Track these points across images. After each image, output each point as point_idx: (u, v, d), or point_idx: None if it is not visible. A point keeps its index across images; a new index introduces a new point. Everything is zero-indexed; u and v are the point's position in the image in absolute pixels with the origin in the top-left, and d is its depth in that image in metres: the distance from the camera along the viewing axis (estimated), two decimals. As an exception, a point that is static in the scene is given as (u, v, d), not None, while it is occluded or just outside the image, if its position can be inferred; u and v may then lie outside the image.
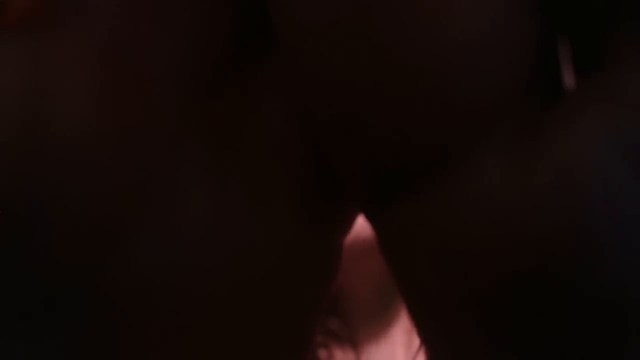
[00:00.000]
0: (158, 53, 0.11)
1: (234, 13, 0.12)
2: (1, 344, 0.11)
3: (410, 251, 0.12)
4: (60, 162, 0.10)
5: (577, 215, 0.10)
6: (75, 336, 0.11)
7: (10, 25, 0.11)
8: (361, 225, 0.14)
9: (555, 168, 0.10)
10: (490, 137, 0.11)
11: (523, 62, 0.11)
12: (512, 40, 0.11)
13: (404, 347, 0.56)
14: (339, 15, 0.10)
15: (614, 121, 0.10)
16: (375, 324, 0.57)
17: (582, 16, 0.11)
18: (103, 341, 0.11)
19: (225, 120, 0.12)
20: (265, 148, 0.12)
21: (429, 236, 0.11)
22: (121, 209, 0.11)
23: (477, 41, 0.10)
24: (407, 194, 0.11)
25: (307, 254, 0.13)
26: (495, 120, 0.11)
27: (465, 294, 0.11)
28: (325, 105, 0.11)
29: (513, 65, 0.11)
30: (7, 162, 0.10)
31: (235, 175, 0.12)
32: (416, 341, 0.54)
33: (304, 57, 0.11)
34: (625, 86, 0.10)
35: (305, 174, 0.12)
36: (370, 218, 0.13)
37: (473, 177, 0.11)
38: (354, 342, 0.53)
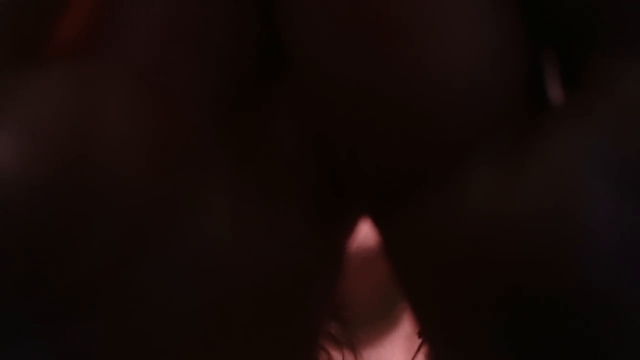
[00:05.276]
0: (193, 74, 0.12)
1: (257, 34, 0.12)
2: (39, 339, 0.11)
3: (412, 255, 0.12)
4: (109, 181, 0.11)
5: (561, 235, 0.10)
6: (106, 334, 0.11)
7: (57, 54, 0.11)
8: (364, 235, 0.14)
9: (540, 189, 0.10)
10: (477, 154, 0.11)
11: (510, 86, 0.11)
12: (500, 71, 0.11)
13: (403, 352, 0.56)
14: (345, 64, 0.11)
15: (595, 142, 0.10)
16: (375, 330, 0.57)
17: (561, 31, 0.11)
18: (128, 342, 0.12)
19: (245, 134, 0.12)
20: (279, 159, 0.13)
21: (425, 244, 0.12)
22: (157, 220, 0.11)
23: (466, 82, 0.11)
24: (405, 203, 0.12)
25: (315, 257, 0.13)
26: (483, 139, 0.11)
27: (465, 300, 0.11)
28: (331, 129, 0.12)
29: (500, 92, 0.11)
30: (63, 178, 0.11)
31: (252, 184, 0.12)
32: (415, 346, 0.55)
33: (314, 89, 0.11)
34: (605, 106, 0.10)
35: (315, 180, 0.13)
36: (374, 221, 0.13)
37: (459, 193, 0.11)
38: (353, 346, 0.53)
